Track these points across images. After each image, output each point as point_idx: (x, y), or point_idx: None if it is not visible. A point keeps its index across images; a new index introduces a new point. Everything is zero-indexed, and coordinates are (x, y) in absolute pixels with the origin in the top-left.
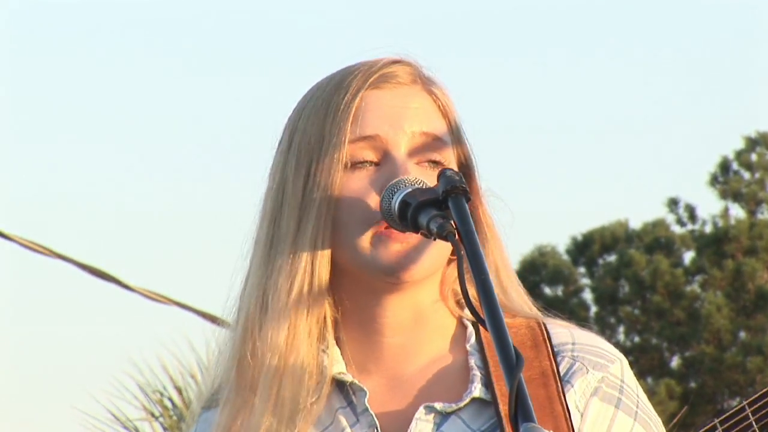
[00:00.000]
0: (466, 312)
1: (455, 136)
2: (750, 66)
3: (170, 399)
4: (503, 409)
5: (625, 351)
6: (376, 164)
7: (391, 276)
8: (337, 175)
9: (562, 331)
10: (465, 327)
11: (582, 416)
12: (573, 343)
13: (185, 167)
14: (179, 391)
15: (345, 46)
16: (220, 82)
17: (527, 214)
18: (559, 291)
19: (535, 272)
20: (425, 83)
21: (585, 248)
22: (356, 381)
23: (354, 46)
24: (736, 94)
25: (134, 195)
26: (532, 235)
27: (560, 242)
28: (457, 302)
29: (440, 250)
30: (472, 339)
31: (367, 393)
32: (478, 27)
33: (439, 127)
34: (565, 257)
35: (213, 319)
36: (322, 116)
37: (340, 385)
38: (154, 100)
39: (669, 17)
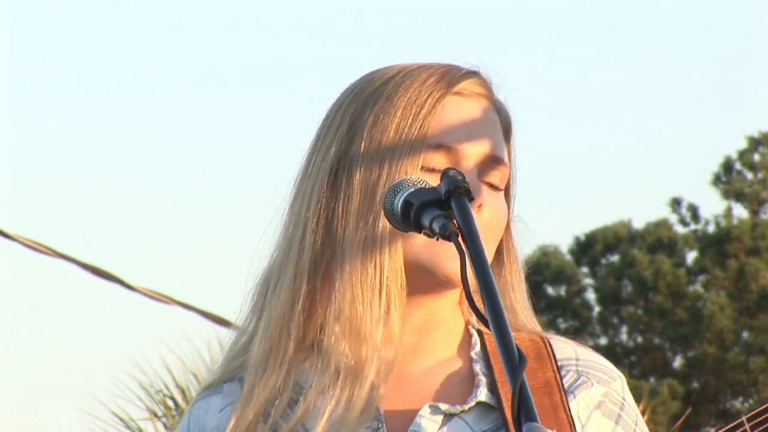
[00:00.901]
0: (473, 319)
1: (511, 160)
2: (752, 66)
3: (173, 399)
4: (508, 414)
5: (628, 351)
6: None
7: (443, 277)
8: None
9: (565, 346)
10: (471, 334)
11: (583, 428)
12: (577, 359)
13: (187, 167)
14: (182, 390)
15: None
16: (219, 82)
17: (530, 214)
18: (562, 291)
19: (538, 272)
20: (497, 102)
21: (588, 248)
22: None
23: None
24: (738, 94)
25: (137, 195)
26: (534, 234)
27: (563, 242)
28: (467, 307)
29: (488, 258)
30: (477, 347)
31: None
32: (479, 25)
33: (504, 151)
34: (568, 257)
35: (216, 319)
36: (400, 110)
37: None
38: (154, 100)
39: (672, 17)
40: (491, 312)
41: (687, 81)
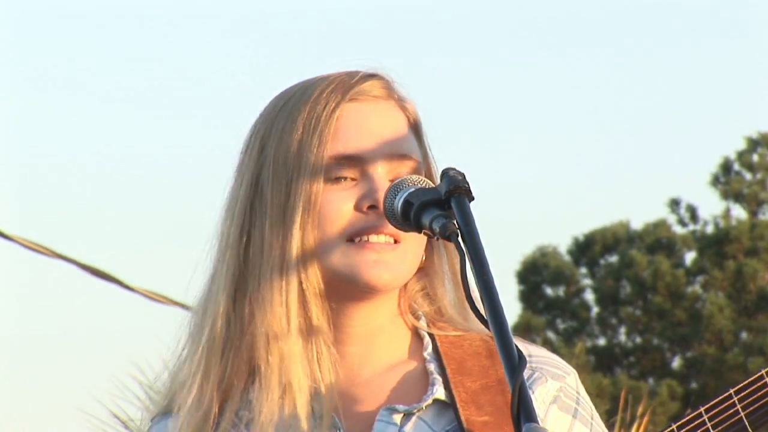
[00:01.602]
0: (421, 323)
1: (424, 151)
2: (751, 67)
3: None
4: (463, 413)
5: (627, 351)
6: (353, 179)
7: (364, 284)
8: (319, 190)
9: (516, 344)
10: (421, 337)
11: (542, 421)
12: (530, 356)
13: (186, 168)
14: None
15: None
16: (220, 84)
17: (529, 215)
18: (561, 291)
19: (537, 273)
20: (399, 99)
21: (586, 249)
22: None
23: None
24: (737, 94)
25: (135, 195)
26: (533, 235)
27: (562, 243)
28: (413, 313)
29: (412, 263)
30: (429, 348)
31: (334, 398)
32: (475, 27)
33: (412, 147)
34: (567, 258)
35: None
36: (300, 127)
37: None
38: (153, 100)
39: (670, 17)
40: (491, 313)
41: (686, 82)
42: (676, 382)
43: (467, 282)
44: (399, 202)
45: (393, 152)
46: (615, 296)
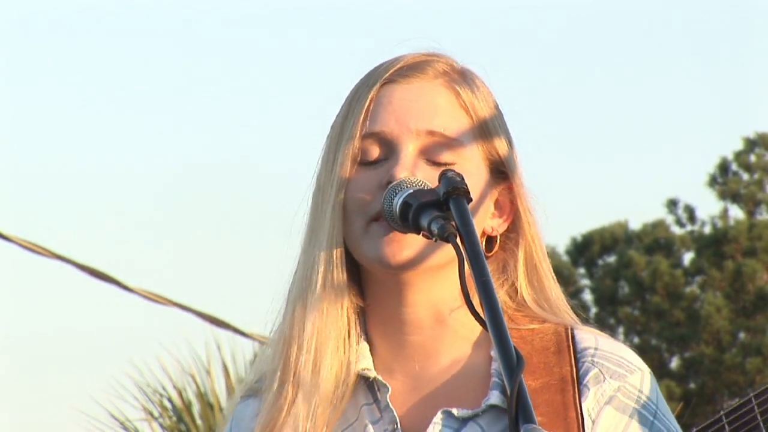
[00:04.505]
0: None
1: (481, 133)
2: (749, 67)
3: (170, 399)
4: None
5: None
6: (384, 159)
7: (383, 263)
8: (348, 170)
9: (587, 336)
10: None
11: (594, 423)
12: (595, 348)
13: (185, 168)
14: (179, 391)
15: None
16: (216, 82)
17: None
18: None
19: None
20: (450, 79)
21: (584, 249)
22: (380, 377)
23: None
24: (735, 95)
25: (134, 196)
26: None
27: (560, 243)
28: None
29: (440, 246)
30: None
31: (390, 390)
32: (477, 26)
33: (452, 125)
34: (565, 258)
35: (212, 320)
36: (345, 109)
37: (366, 381)
38: (152, 101)
39: (667, 19)
40: (489, 313)
41: (683, 82)
42: (674, 382)
43: (465, 283)
44: (397, 203)
45: (420, 128)
46: (613, 296)
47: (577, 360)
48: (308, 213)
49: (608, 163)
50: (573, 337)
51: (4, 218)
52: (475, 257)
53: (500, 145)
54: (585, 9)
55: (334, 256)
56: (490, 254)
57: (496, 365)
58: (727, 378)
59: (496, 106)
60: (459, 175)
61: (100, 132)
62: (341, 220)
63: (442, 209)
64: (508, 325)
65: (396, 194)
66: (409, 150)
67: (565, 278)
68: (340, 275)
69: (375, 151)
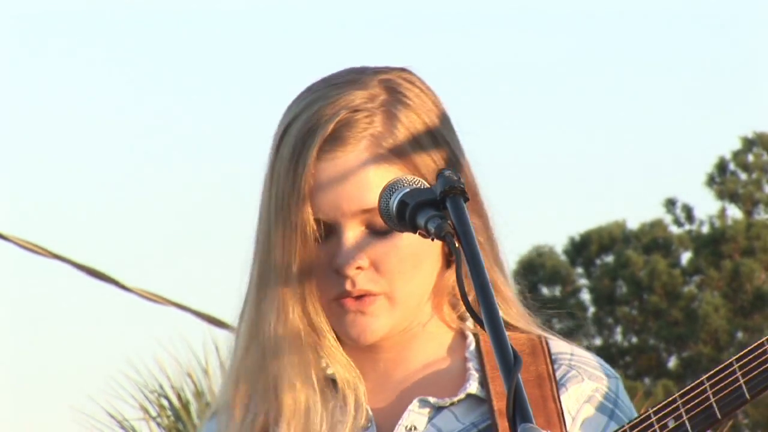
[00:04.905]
0: (468, 323)
1: (416, 171)
2: (747, 67)
3: (167, 399)
4: (497, 405)
5: (623, 351)
6: (329, 235)
7: (351, 341)
8: (299, 246)
9: (561, 343)
10: (465, 337)
11: (573, 420)
12: (571, 354)
13: (183, 168)
14: (176, 391)
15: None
16: (215, 82)
17: (525, 214)
18: (557, 291)
19: (533, 272)
20: (373, 138)
21: (583, 249)
22: (351, 378)
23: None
24: (733, 94)
25: (132, 196)
26: (529, 235)
27: (558, 243)
28: (459, 316)
29: (405, 303)
30: (472, 347)
31: (363, 387)
32: (476, 26)
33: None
34: (563, 258)
35: (210, 319)
36: (288, 181)
37: (336, 384)
38: (150, 101)
39: (666, 18)
40: (486, 312)
41: (681, 82)
42: (672, 382)
43: (462, 283)
44: (394, 203)
45: (354, 209)
46: (611, 296)
47: (552, 362)
48: (257, 261)
49: (606, 162)
50: (547, 344)
51: (2, 218)
52: (473, 257)
53: (439, 165)
54: (587, 8)
55: (291, 309)
56: (453, 258)
57: (472, 363)
58: None
59: (427, 122)
60: (456, 174)
61: (97, 131)
62: (290, 287)
63: (438, 208)
64: (478, 331)
65: (393, 193)
66: (348, 235)
67: (563, 278)
68: (310, 319)
69: (318, 232)
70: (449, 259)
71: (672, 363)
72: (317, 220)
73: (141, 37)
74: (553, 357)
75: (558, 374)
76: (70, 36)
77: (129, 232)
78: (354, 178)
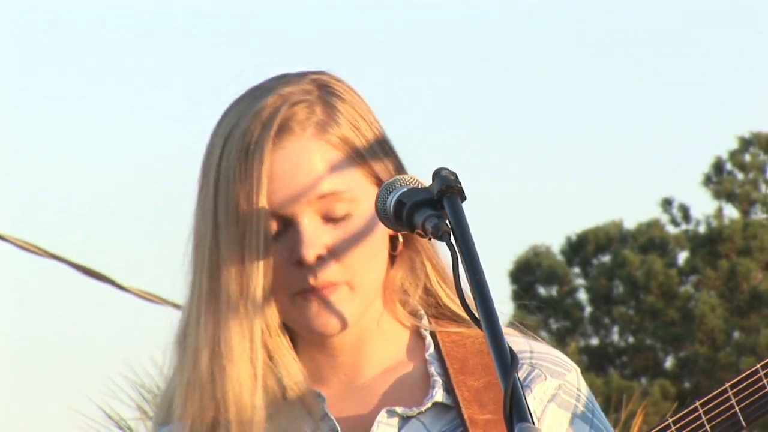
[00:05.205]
0: (423, 322)
1: (359, 161)
2: (744, 67)
3: None
4: (466, 412)
5: (620, 351)
6: (285, 231)
7: (315, 334)
8: (259, 247)
9: (519, 340)
10: (422, 337)
11: (539, 421)
12: (531, 352)
13: (181, 168)
14: None
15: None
16: (214, 82)
17: (522, 215)
18: (554, 291)
19: (530, 272)
20: (316, 125)
21: (579, 248)
22: (314, 389)
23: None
24: (729, 94)
25: (129, 195)
26: (526, 235)
27: (555, 242)
28: (410, 312)
29: (365, 292)
30: (431, 348)
31: (326, 399)
32: (475, 28)
33: (336, 178)
34: (560, 257)
35: None
36: (239, 182)
37: (298, 395)
38: (147, 100)
39: (663, 19)
40: (483, 312)
41: (678, 81)
42: (669, 381)
43: (459, 282)
44: (391, 202)
45: (311, 197)
46: (608, 296)
47: None
48: (200, 270)
49: (603, 162)
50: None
51: None
52: (470, 256)
53: (377, 160)
54: (584, 8)
55: (262, 322)
56: (395, 253)
57: (434, 367)
58: (721, 377)
59: (361, 114)
60: (453, 173)
61: (92, 131)
62: (246, 287)
63: (436, 208)
64: (435, 328)
65: (390, 193)
66: (305, 222)
67: (559, 278)
68: (270, 335)
69: (272, 227)
70: (393, 254)
71: (668, 363)
72: (273, 215)
73: (140, 38)
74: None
75: (521, 374)
76: (71, 36)
77: (126, 231)
78: (306, 165)
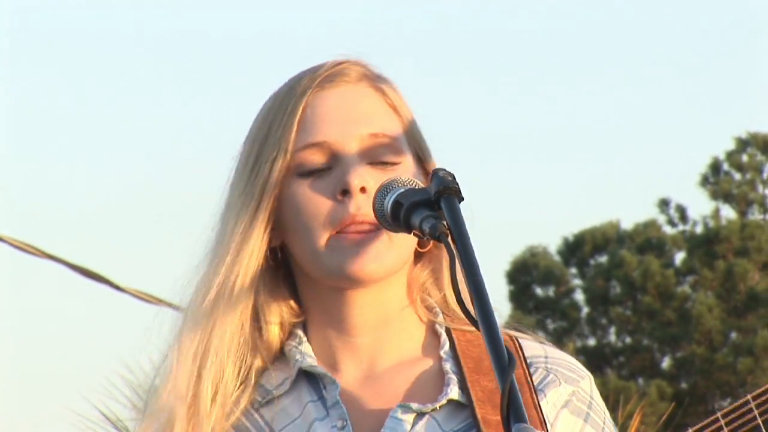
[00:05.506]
0: (440, 318)
1: (410, 133)
2: (741, 67)
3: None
4: (480, 413)
5: (616, 352)
6: (328, 168)
7: (350, 277)
8: (280, 183)
9: (534, 344)
10: (438, 335)
11: (551, 426)
12: (546, 357)
13: (179, 169)
14: None
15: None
16: (213, 84)
17: (519, 215)
18: (551, 292)
19: (527, 273)
20: (374, 81)
21: (576, 249)
22: (328, 374)
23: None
24: (727, 95)
25: (126, 195)
26: (523, 235)
27: (552, 243)
28: (427, 308)
29: (400, 248)
30: (446, 346)
31: (339, 386)
32: (469, 27)
33: (391, 127)
34: (557, 258)
35: None
36: (267, 122)
37: (312, 379)
38: (144, 102)
39: (660, 19)
40: (481, 313)
41: (675, 82)
42: (666, 382)
43: (457, 283)
44: (389, 203)
45: (363, 132)
46: (605, 296)
47: (528, 366)
48: (220, 230)
49: (600, 162)
50: (520, 345)
51: None
52: (467, 256)
53: (425, 147)
54: (579, 8)
55: (256, 272)
56: (423, 249)
57: (449, 365)
58: (718, 378)
59: (405, 98)
60: (450, 174)
61: (90, 131)
62: (267, 235)
63: (433, 208)
64: (450, 325)
65: (387, 193)
66: (355, 156)
67: (556, 278)
68: (246, 279)
69: (317, 161)
70: (419, 251)
71: (665, 363)
72: (323, 149)
73: (140, 39)
74: (528, 361)
75: (535, 378)
76: (72, 37)
77: (123, 232)
78: (360, 103)
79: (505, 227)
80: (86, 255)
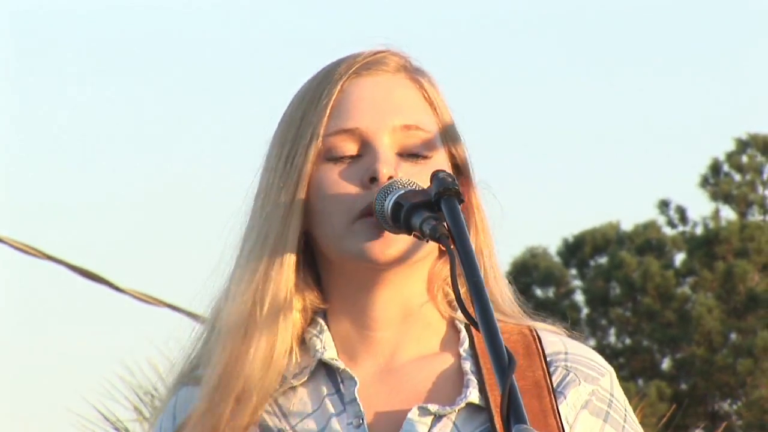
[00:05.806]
0: (459, 314)
1: (445, 129)
2: (741, 68)
3: (161, 400)
4: (497, 416)
5: (616, 353)
6: (359, 156)
7: (370, 260)
8: (311, 168)
9: (554, 339)
10: (458, 330)
11: (571, 428)
12: (566, 353)
13: (177, 169)
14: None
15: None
16: (213, 85)
17: (518, 216)
18: (551, 293)
19: (527, 274)
20: (412, 73)
21: (576, 250)
22: (347, 369)
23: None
24: (727, 96)
25: (125, 196)
26: (523, 236)
27: (551, 244)
28: (449, 303)
29: (420, 242)
30: (466, 344)
31: (357, 383)
32: (474, 29)
33: (425, 119)
34: (557, 259)
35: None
36: (302, 108)
37: (330, 371)
38: (143, 103)
39: (660, 19)
40: (480, 313)
41: (675, 83)
42: (665, 383)
43: (456, 284)
44: (389, 204)
45: (396, 123)
46: (604, 297)
47: (548, 364)
48: (252, 217)
49: (600, 163)
50: (540, 341)
51: None
52: (467, 258)
53: (460, 145)
54: (582, 9)
55: (289, 258)
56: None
57: (468, 364)
58: (718, 379)
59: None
60: (450, 175)
61: (89, 132)
62: (300, 219)
63: (433, 210)
64: (472, 328)
65: (387, 195)
66: (386, 145)
67: (556, 279)
68: (292, 275)
69: (347, 148)
70: (442, 248)
71: (665, 364)
72: (354, 136)
73: (139, 39)
74: (548, 359)
75: (555, 378)
76: (72, 37)
77: (122, 233)
78: (396, 94)
79: (505, 228)
80: (86, 255)
